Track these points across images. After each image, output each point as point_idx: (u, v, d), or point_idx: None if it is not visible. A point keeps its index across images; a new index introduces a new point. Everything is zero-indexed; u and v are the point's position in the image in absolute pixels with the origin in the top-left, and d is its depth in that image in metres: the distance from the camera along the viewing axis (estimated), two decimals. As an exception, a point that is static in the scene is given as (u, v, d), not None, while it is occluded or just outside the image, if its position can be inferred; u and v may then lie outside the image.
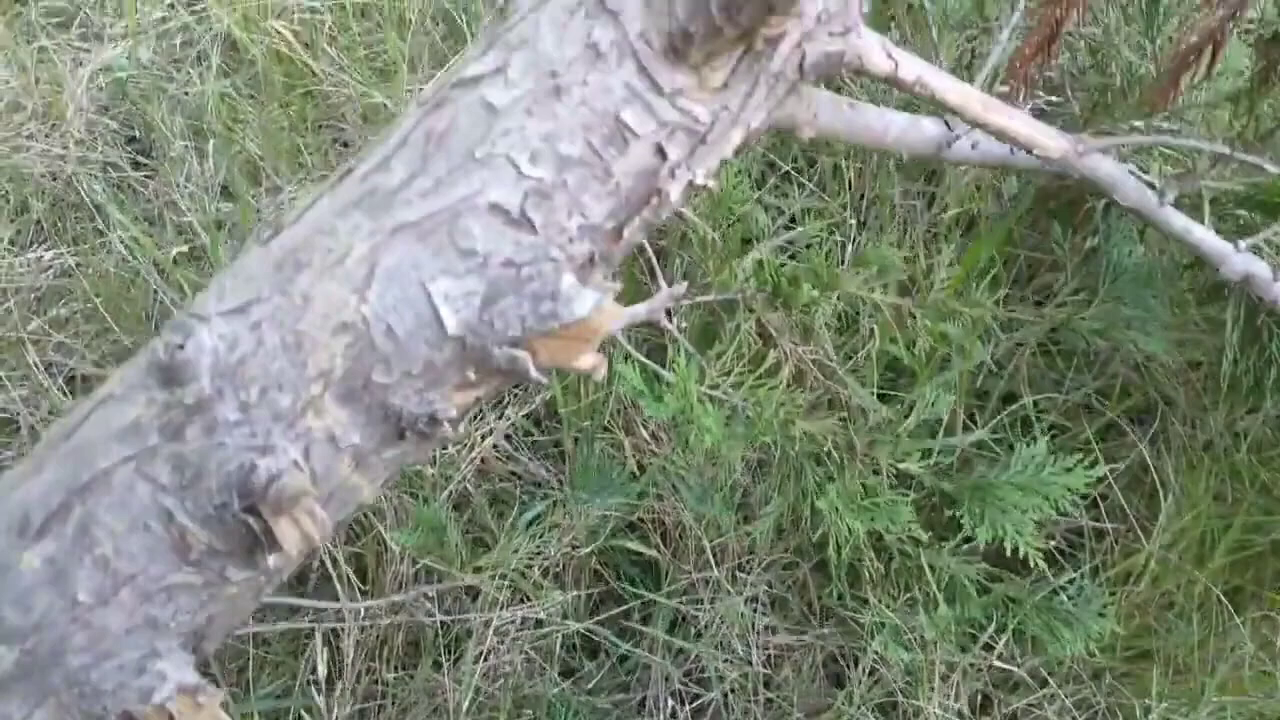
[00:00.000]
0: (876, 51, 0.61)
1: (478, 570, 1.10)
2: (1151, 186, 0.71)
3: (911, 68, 0.61)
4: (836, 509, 0.87)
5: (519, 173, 0.53)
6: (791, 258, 1.02)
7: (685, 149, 0.56)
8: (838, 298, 0.93)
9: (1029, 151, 0.67)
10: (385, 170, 0.54)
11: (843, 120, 0.69)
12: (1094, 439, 1.19)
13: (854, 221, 1.10)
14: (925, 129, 0.75)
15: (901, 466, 0.93)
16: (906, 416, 1.10)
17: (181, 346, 0.53)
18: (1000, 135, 0.65)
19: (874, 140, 0.72)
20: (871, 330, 1.09)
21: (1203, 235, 0.75)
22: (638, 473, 1.17)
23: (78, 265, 1.35)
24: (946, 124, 0.77)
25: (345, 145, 1.50)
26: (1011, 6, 0.81)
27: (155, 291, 1.32)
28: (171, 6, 1.61)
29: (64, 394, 1.24)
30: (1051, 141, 0.66)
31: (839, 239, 1.13)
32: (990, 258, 1.16)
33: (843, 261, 1.04)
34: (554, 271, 0.55)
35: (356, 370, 0.54)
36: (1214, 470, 1.16)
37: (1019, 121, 0.65)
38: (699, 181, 0.58)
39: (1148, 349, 0.97)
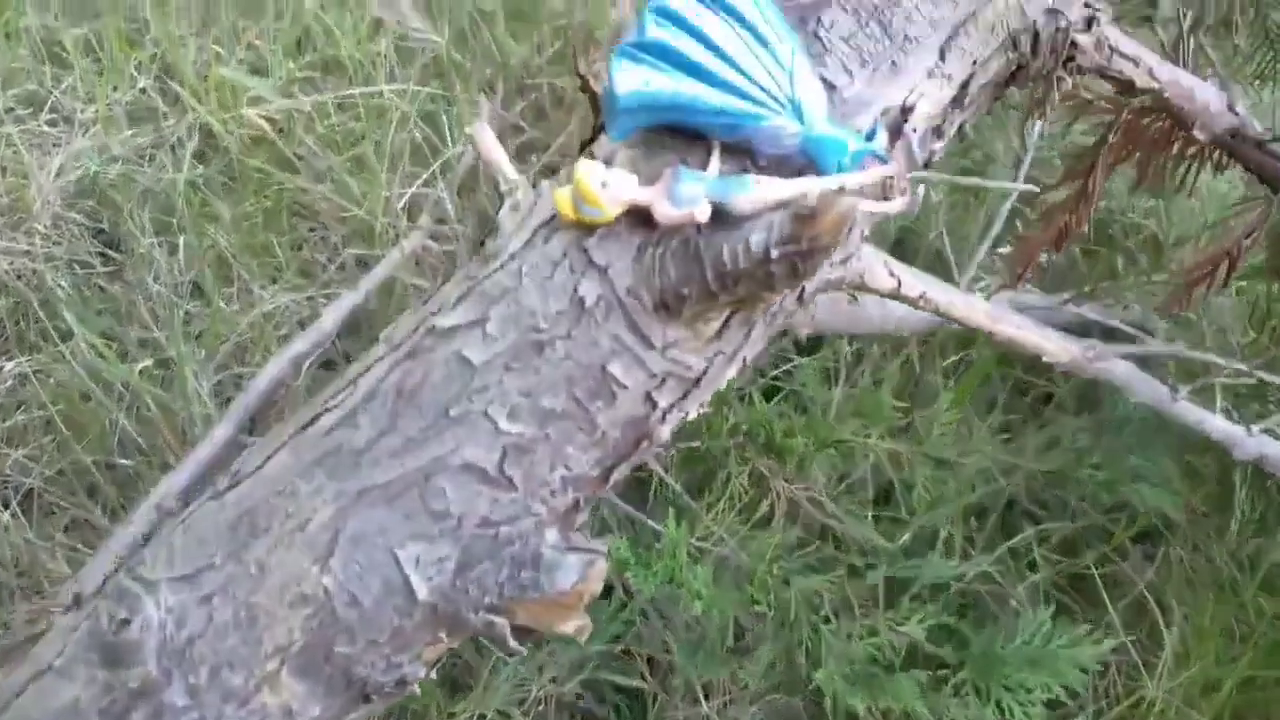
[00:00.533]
0: (878, 270, 0.57)
1: (452, 717, 1.05)
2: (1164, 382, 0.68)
3: (914, 284, 0.57)
4: (834, 680, 0.83)
5: (496, 429, 0.49)
6: (784, 398, 0.98)
7: (677, 394, 0.52)
8: (832, 447, 0.89)
9: (1039, 358, 0.63)
10: (352, 426, 0.49)
11: (842, 316, 0.65)
12: (1094, 567, 1.15)
13: (849, 349, 1.06)
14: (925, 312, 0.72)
15: (902, 630, 0.89)
16: (904, 550, 1.06)
17: (127, 621, 0.48)
18: (1009, 344, 0.62)
19: (874, 329, 0.68)
20: (866, 463, 1.05)
21: (1216, 424, 0.71)
22: (626, 598, 1.13)
23: (36, 373, 1.29)
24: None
25: (321, 240, 1.45)
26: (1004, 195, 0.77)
27: (119, 402, 1.27)
28: (143, 91, 1.56)
29: (17, 516, 1.19)
30: (1061, 349, 0.62)
31: (832, 364, 1.09)
32: (987, 374, 1.13)
33: (835, 383, 1.00)
34: (535, 528, 0.50)
35: (317, 642, 0.49)
36: (1220, 600, 1.13)
37: (1027, 330, 0.61)
38: (692, 416, 0.54)
39: (1156, 504, 0.94)
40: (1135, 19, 0.99)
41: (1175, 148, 0.57)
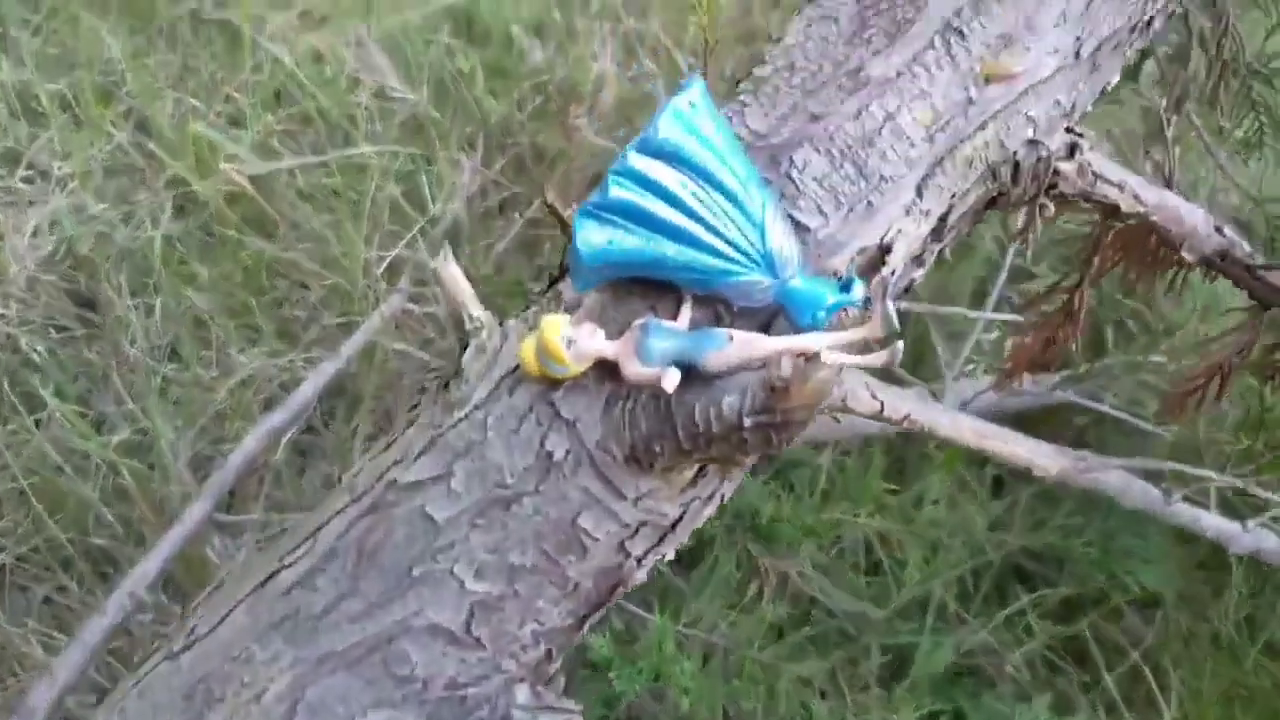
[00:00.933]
0: (861, 394, 0.55)
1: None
2: (1157, 485, 0.66)
3: (898, 406, 0.55)
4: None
5: (462, 588, 0.47)
6: (775, 476, 0.96)
7: (652, 540, 0.50)
8: (820, 534, 0.87)
9: (1029, 471, 0.61)
10: (311, 588, 0.47)
11: (825, 428, 0.63)
12: (1090, 632, 1.13)
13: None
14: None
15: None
16: (896, 618, 1.04)
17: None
18: (998, 459, 0.60)
19: (854, 435, 0.66)
20: (856, 532, 1.03)
21: (1211, 522, 0.70)
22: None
23: (8, 445, 1.27)
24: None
25: (300, 299, 1.43)
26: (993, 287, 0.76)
27: (96, 472, 1.24)
28: (121, 149, 1.54)
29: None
30: (1051, 462, 0.61)
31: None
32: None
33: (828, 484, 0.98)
34: (504, 687, 0.48)
35: (277, 814, 0.47)
36: (1218, 665, 1.11)
37: (1016, 445, 0.60)
38: (670, 556, 0.52)
39: (1149, 585, 0.92)
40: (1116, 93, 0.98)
41: (1162, 262, 0.55)
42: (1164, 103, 0.55)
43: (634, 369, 0.43)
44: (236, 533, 1.18)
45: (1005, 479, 1.18)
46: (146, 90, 1.54)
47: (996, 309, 0.80)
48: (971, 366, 0.82)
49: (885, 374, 0.88)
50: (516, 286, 1.39)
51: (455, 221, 1.34)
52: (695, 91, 0.41)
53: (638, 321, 0.44)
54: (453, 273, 0.50)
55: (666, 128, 0.40)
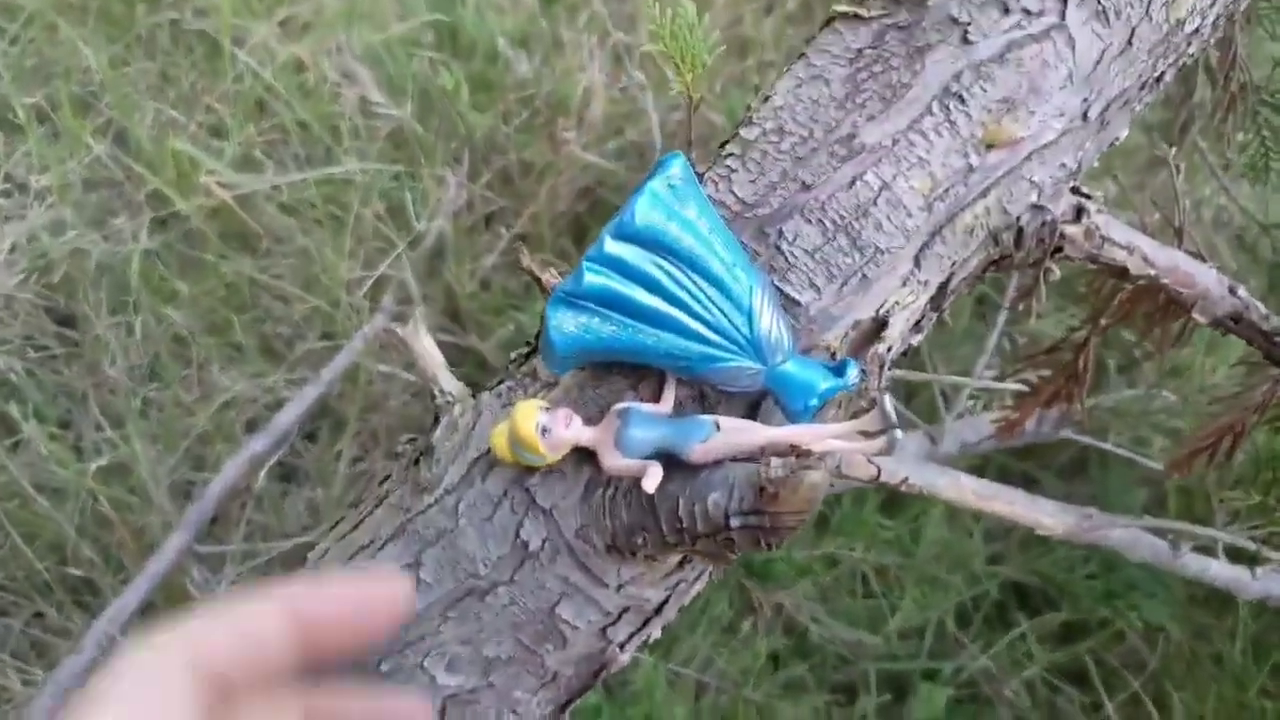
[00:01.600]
0: (856, 460, 0.52)
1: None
2: (1164, 538, 0.64)
3: (895, 470, 0.53)
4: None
5: (434, 683, 0.44)
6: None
7: (635, 624, 0.47)
8: (815, 571, 0.85)
9: (1031, 529, 0.59)
10: (273, 684, 0.45)
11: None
12: (1091, 655, 1.11)
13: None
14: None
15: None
16: (894, 644, 1.02)
17: None
18: (1001, 520, 0.57)
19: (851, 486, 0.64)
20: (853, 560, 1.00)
21: (1219, 571, 0.68)
22: None
23: (-14, 474, 1.24)
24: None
25: (282, 317, 1.40)
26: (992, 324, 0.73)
27: (75, 498, 1.21)
28: (100, 162, 1.51)
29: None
30: (1056, 521, 0.58)
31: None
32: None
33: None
34: (481, 782, 0.46)
35: None
36: (1222, 692, 1.09)
37: (1019, 506, 0.57)
38: (657, 636, 0.50)
39: (1153, 619, 0.90)
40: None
41: (1171, 317, 0.53)
42: (1174, 154, 0.53)
43: (613, 460, 0.40)
44: (217, 565, 1.16)
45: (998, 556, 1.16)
46: (125, 101, 1.51)
47: (997, 348, 0.77)
48: (973, 403, 0.79)
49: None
50: (504, 301, 1.36)
51: (440, 237, 1.31)
52: (675, 171, 0.38)
53: (617, 407, 0.41)
54: (424, 344, 0.47)
55: (644, 212, 0.37)
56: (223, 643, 0.31)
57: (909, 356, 0.50)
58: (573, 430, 0.41)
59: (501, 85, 1.32)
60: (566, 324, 0.38)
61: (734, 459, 0.40)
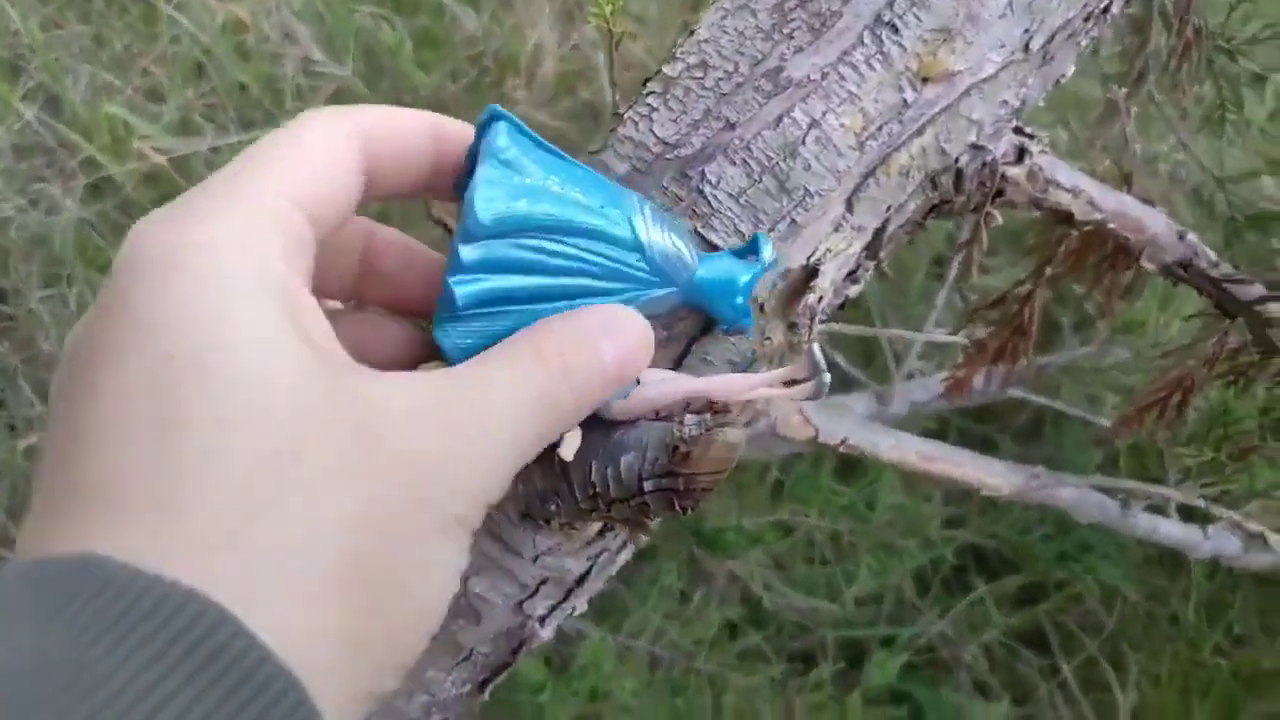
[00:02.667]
0: (793, 420, 0.50)
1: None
2: (1111, 495, 0.62)
3: (834, 430, 0.50)
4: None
5: (341, 663, 0.41)
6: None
7: (556, 597, 0.45)
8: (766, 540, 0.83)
9: (978, 490, 0.57)
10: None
11: (762, 443, 0.58)
12: (1048, 618, 1.11)
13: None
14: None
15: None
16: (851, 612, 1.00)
17: None
18: (947, 482, 0.55)
19: (797, 448, 0.61)
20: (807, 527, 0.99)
21: (1170, 530, 0.66)
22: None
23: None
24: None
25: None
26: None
27: (9, 479, 1.17)
28: (30, 128, 1.45)
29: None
30: (1003, 480, 0.56)
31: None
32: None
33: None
34: (394, 765, 0.43)
35: None
36: (1177, 654, 1.09)
37: (966, 466, 0.55)
38: (582, 610, 0.47)
39: (1109, 580, 0.89)
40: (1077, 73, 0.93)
41: (1120, 267, 0.50)
42: (1124, 94, 0.50)
43: None
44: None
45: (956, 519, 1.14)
46: (56, 65, 1.44)
47: (949, 302, 0.75)
48: (923, 363, 0.77)
49: (834, 382, 0.84)
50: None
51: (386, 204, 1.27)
52: (500, 142, 0.34)
53: None
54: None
55: (484, 207, 0.33)
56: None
57: (846, 310, 0.47)
58: None
59: (448, 42, 1.27)
60: (459, 339, 0.35)
61: (659, 416, 0.37)
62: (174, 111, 1.42)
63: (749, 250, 0.39)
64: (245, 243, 0.27)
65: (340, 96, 1.34)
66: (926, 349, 0.77)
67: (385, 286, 0.38)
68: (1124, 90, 0.53)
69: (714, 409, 0.36)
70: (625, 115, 0.42)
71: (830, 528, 0.87)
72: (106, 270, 1.13)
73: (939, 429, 1.09)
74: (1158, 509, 0.68)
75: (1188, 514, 0.73)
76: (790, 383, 0.38)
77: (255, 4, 1.38)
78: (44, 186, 1.37)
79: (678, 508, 0.35)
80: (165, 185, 1.39)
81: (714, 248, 0.40)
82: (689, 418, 0.35)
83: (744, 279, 0.38)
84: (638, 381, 0.37)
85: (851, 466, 0.99)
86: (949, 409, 0.87)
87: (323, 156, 0.30)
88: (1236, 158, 0.99)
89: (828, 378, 0.37)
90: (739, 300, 0.38)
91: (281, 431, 0.24)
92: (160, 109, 1.44)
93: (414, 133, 0.34)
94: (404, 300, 0.38)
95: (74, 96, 1.41)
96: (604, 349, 0.33)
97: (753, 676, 0.84)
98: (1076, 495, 0.61)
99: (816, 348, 0.36)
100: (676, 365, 0.41)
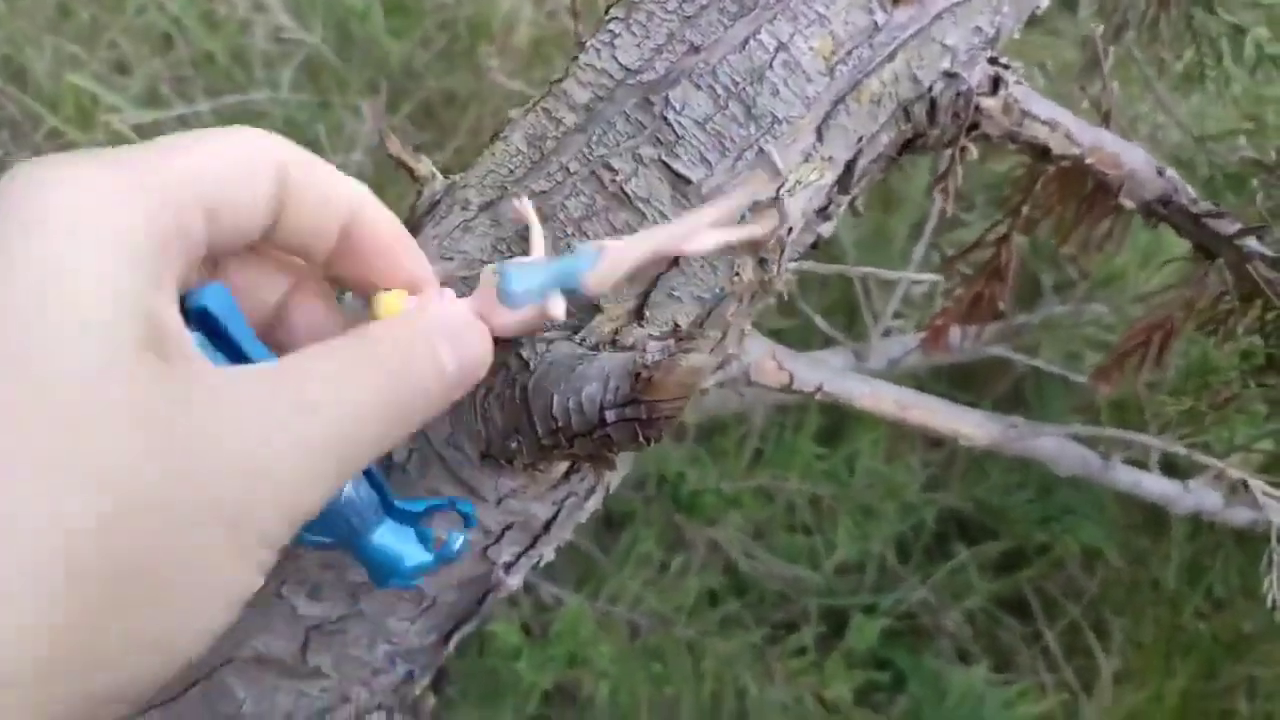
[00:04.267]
0: (767, 366, 0.49)
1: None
2: (1093, 449, 0.61)
3: (809, 377, 0.49)
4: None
5: (294, 613, 0.40)
6: (699, 440, 0.90)
7: (522, 543, 0.43)
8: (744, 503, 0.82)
9: (955, 440, 0.55)
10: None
11: (734, 401, 0.57)
12: (1031, 584, 1.10)
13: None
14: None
15: (827, 696, 0.82)
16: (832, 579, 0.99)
17: None
18: (923, 430, 0.54)
19: (774, 401, 0.60)
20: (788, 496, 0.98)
21: (1152, 485, 0.65)
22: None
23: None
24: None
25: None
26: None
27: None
28: (-8, 102, 1.41)
29: None
30: (980, 430, 0.55)
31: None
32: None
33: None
34: (354, 718, 0.42)
35: None
36: (1158, 618, 1.09)
37: (941, 414, 0.54)
38: (550, 558, 0.46)
39: (1090, 542, 0.88)
40: (1052, 28, 0.92)
41: (1099, 212, 0.49)
42: (1101, 31, 0.49)
43: (503, 319, 0.34)
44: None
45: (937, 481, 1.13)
46: (21, 36, 1.41)
47: (926, 259, 0.74)
48: (902, 321, 0.76)
49: (811, 332, 0.82)
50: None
51: (359, 172, 1.25)
52: None
53: (488, 266, 0.35)
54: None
55: None
56: (206, 170, 0.27)
57: (819, 249, 0.46)
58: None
59: (419, 9, 1.25)
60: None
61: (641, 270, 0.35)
62: (141, 82, 1.39)
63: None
64: (117, 221, 0.24)
65: (309, 64, 1.31)
66: (904, 307, 0.76)
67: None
68: (1100, 29, 0.52)
69: (677, 337, 0.35)
70: (588, 43, 0.40)
71: (810, 491, 0.86)
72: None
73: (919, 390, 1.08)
74: (1140, 464, 0.67)
75: (1168, 469, 0.72)
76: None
77: (223, -29, 1.35)
78: (8, 157, 1.34)
79: (641, 438, 0.34)
80: (133, 158, 1.36)
81: (680, 177, 0.39)
82: (651, 344, 0.33)
83: (409, 564, 0.33)
84: (600, 250, 0.35)
85: (833, 432, 0.98)
86: (929, 369, 0.86)
87: (235, 169, 0.28)
88: (1218, 117, 0.98)
89: (790, 206, 0.35)
90: (394, 580, 0.33)
91: (61, 418, 0.22)
92: (128, 81, 1.41)
93: (333, 196, 0.31)
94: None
95: (39, 68, 1.38)
96: (443, 353, 0.30)
97: (732, 642, 0.83)
98: (1056, 446, 0.60)
99: (788, 200, 0.34)
100: (643, 300, 0.40)
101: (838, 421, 1.04)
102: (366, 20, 1.14)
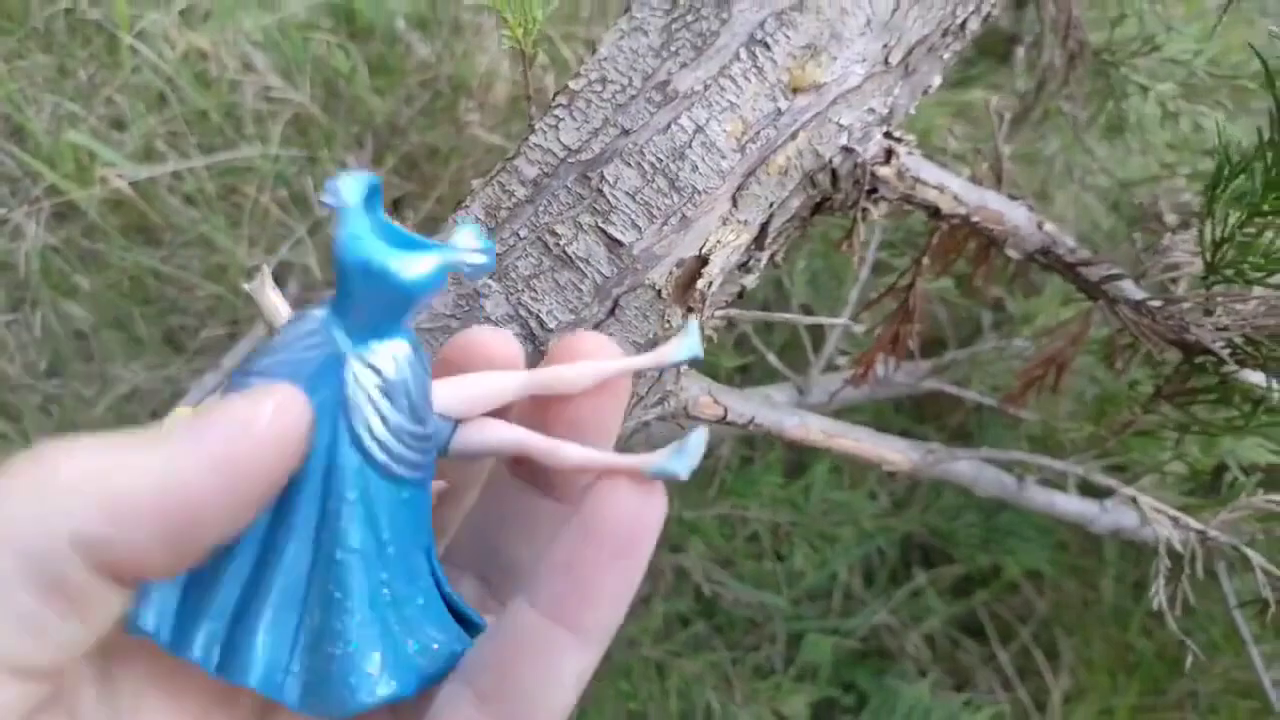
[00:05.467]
0: (702, 400, 0.55)
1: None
2: (1010, 471, 0.67)
3: (742, 409, 0.56)
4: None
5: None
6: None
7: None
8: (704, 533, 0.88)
9: (879, 466, 0.62)
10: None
11: (676, 432, 0.63)
12: (986, 607, 1.16)
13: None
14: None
15: (786, 714, 0.87)
16: (796, 603, 1.05)
17: None
18: (848, 458, 0.60)
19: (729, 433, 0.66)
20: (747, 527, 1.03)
21: (1067, 504, 0.71)
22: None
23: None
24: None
25: (186, 309, 1.39)
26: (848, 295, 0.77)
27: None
28: (-8, 157, 1.48)
29: None
30: (901, 457, 0.61)
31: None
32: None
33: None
34: None
35: None
36: (1106, 635, 1.14)
37: (865, 442, 0.60)
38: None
39: (1030, 564, 0.94)
40: (993, 82, 0.99)
41: (993, 261, 0.56)
42: (1002, 104, 0.56)
43: None
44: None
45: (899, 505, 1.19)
46: (20, 95, 1.48)
47: (863, 299, 0.80)
48: (846, 358, 0.83)
49: (759, 370, 0.88)
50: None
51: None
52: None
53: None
54: (269, 298, 0.48)
55: None
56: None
57: (744, 298, 0.52)
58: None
59: (402, 68, 1.32)
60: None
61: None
62: (137, 139, 1.46)
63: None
64: None
65: (298, 120, 1.39)
66: (849, 345, 0.83)
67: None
68: (994, 101, 0.59)
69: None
70: (536, 125, 0.47)
71: (770, 520, 0.92)
72: (71, 295, 1.17)
73: (877, 426, 1.14)
74: (1058, 486, 0.73)
75: (1092, 492, 0.79)
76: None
77: (215, 34, 1.43)
78: (8, 213, 1.41)
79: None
80: (129, 211, 1.43)
81: (614, 240, 0.45)
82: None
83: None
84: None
85: (798, 464, 1.04)
86: (892, 404, 0.92)
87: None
88: (1140, 165, 1.06)
89: (700, 348, 0.38)
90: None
91: None
92: (124, 137, 1.48)
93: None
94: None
95: (37, 126, 1.44)
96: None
97: (698, 661, 0.88)
98: (971, 469, 0.66)
99: (697, 330, 0.40)
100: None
101: (803, 453, 1.10)
102: (352, 79, 1.21)
